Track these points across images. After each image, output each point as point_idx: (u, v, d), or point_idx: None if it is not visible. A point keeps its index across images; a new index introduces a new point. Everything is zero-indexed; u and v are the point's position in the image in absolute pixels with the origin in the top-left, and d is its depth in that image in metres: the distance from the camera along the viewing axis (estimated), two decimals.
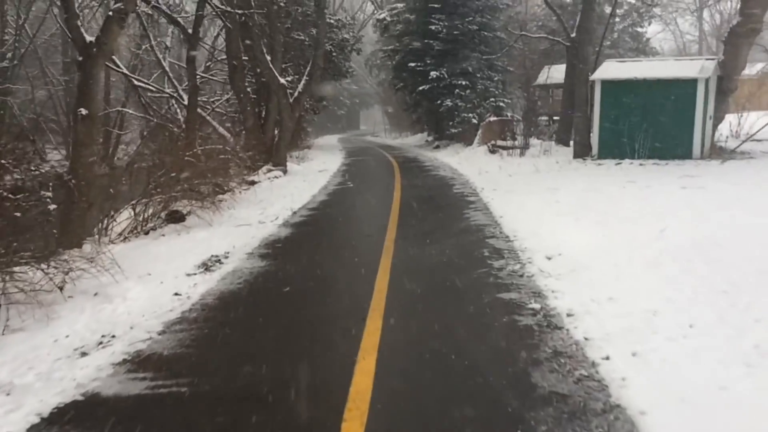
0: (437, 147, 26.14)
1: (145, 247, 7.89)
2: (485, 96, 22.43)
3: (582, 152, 14.81)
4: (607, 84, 14.14)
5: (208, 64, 24.89)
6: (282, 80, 15.68)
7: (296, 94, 17.22)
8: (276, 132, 17.20)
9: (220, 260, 6.91)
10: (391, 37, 30.44)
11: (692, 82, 13.23)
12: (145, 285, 5.93)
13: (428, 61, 25.18)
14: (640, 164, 13.29)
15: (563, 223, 8.06)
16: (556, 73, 23.54)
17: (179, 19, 14.31)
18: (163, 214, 9.99)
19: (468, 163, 17.23)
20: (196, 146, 13.96)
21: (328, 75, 32.73)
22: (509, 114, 22.08)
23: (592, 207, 8.92)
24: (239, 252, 7.33)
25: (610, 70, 14.39)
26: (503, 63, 26.14)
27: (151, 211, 9.82)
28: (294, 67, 24.33)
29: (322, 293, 5.62)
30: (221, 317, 5.00)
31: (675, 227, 7.06)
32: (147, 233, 9.39)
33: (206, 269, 6.52)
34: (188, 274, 6.33)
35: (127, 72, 19.28)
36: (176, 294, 5.55)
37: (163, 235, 8.80)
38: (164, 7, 11.77)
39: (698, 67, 13.51)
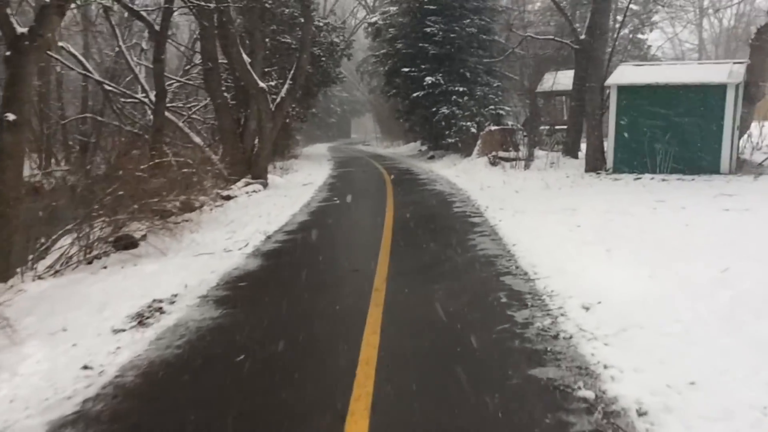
0: (432, 158, 24.79)
1: (77, 285, 6.41)
2: (484, 103, 21.13)
3: (595, 165, 13.47)
4: (623, 90, 12.82)
5: (186, 68, 23.53)
6: (262, 84, 14.28)
7: (278, 99, 15.82)
8: (256, 141, 15.77)
9: (162, 308, 5.44)
10: (383, 42, 29.13)
11: (721, 88, 11.93)
12: (51, 348, 4.47)
13: (423, 67, 23.86)
14: (663, 179, 11.94)
15: (593, 256, 6.66)
16: (560, 80, 22.32)
17: (143, 12, 12.87)
18: (111, 239, 8.55)
19: (467, 177, 15.85)
20: (162, 157, 12.55)
21: (316, 81, 31.50)
22: (510, 123, 20.76)
23: (624, 234, 7.52)
24: (191, 294, 5.87)
25: (627, 74, 13.08)
26: (503, 68, 24.88)
27: (97, 235, 8.37)
28: (279, 72, 22.92)
29: (286, 367, 4.16)
30: (136, 411, 3.54)
31: (739, 266, 5.67)
32: (90, 262, 7.93)
33: (141, 322, 5.06)
34: (115, 330, 4.87)
35: (94, 74, 17.84)
36: (86, 367, 4.09)
37: (105, 268, 7.33)
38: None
39: (727, 72, 12.23)
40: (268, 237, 8.79)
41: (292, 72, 16.08)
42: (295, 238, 8.72)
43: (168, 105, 20.66)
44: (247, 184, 15.04)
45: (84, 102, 23.32)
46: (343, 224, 9.98)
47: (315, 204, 12.32)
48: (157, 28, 12.85)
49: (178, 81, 20.08)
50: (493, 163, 16.72)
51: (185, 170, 10.95)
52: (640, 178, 12.21)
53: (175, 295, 5.84)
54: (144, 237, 8.82)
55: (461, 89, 22.26)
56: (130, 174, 9.17)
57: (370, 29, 34.43)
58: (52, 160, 21.81)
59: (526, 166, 15.51)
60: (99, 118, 20.12)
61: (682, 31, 46.98)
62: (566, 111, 28.23)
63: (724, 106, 11.91)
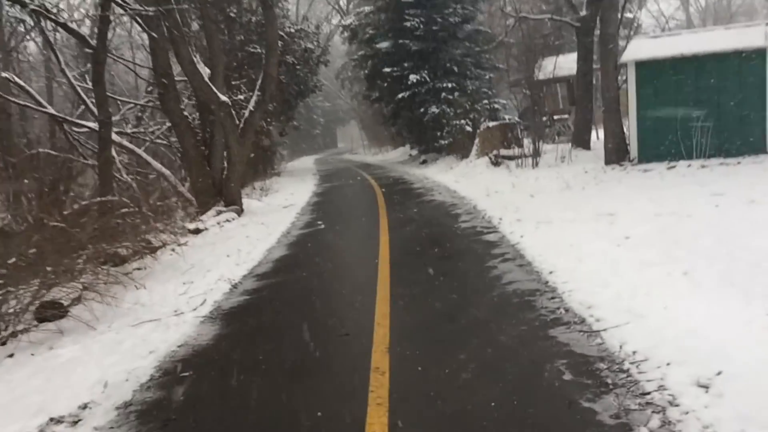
0: (424, 162, 23.05)
1: None
2: (477, 98, 19.42)
3: (616, 156, 11.74)
4: (643, 66, 11.11)
5: (149, 89, 21.75)
6: (224, 98, 12.50)
7: (247, 114, 14.06)
8: (225, 164, 13.98)
9: None
10: (360, 43, 27.42)
11: (760, 54, 10.24)
12: None
13: (405, 65, 22.16)
14: (703, 166, 10.21)
15: (667, 284, 4.92)
16: (557, 66, 20.70)
17: (74, 24, 11.06)
18: (33, 307, 6.75)
19: (468, 182, 14.10)
20: (109, 193, 10.77)
21: (293, 91, 29.77)
22: (507, 117, 19.05)
23: (696, 247, 5.76)
24: (108, 403, 4.08)
25: (645, 48, 11.38)
26: (494, 58, 23.23)
27: (14, 303, 6.57)
28: (250, 84, 21.21)
29: None
30: None
31: None
32: (4, 343, 6.12)
33: None
34: None
35: (35, 103, 16.02)
36: None
37: (11, 356, 5.52)
38: (45, 8, 8.48)
39: (762, 34, 10.54)
40: (234, 287, 6.99)
41: (259, 82, 14.31)
42: (267, 286, 6.92)
43: (131, 131, 19.01)
44: (219, 212, 13.25)
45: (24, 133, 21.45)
46: (328, 259, 8.18)
47: (295, 232, 10.53)
48: (93, 42, 11.07)
49: (134, 103, 18.31)
50: (496, 164, 14.98)
51: (125, 211, 9.11)
52: (674, 167, 10.48)
53: (84, 407, 4.05)
54: (77, 300, 7.02)
55: (450, 85, 20.56)
56: (57, 221, 7.41)
57: (345, 33, 32.80)
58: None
59: (535, 164, 13.77)
60: (52, 152, 18.25)
61: (668, 8, 45.66)
62: (561, 99, 26.69)
63: (765, 74, 10.21)
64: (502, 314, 4.95)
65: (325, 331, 5.13)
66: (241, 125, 14.07)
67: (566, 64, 22.70)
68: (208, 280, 7.37)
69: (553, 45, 25.40)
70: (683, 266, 5.23)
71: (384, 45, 22.77)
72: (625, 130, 11.89)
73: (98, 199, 8.77)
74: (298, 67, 28.63)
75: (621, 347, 3.93)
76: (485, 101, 18.87)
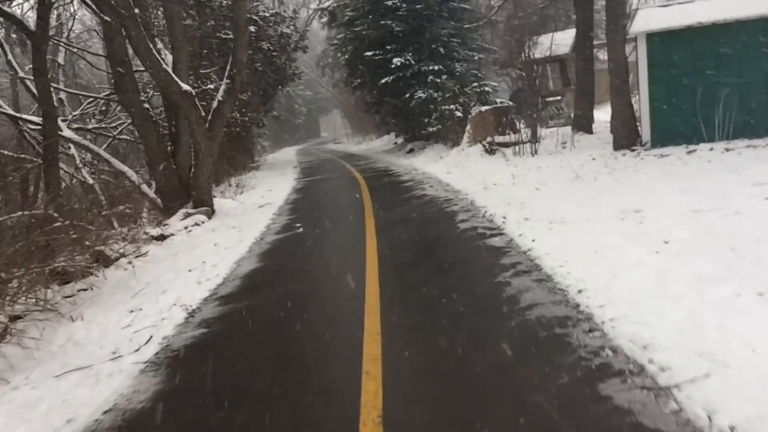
0: (411, 151, 21.85)
1: None
2: (466, 81, 18.22)
3: (627, 140, 10.62)
4: (656, 38, 9.97)
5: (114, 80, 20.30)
6: (186, 87, 11.20)
7: (215, 105, 12.76)
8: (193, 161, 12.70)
9: None
10: (340, 26, 26.08)
11: None
12: None
13: (388, 47, 20.90)
14: (727, 149, 9.11)
15: (741, 310, 3.82)
16: (546, 44, 19.58)
17: (15, 8, 9.70)
18: None
19: (462, 173, 12.93)
20: (54, 196, 9.49)
21: (271, 80, 28.40)
22: (499, 100, 17.87)
23: (758, 254, 4.65)
24: None
25: (655, 18, 10.22)
26: (481, 38, 22.02)
27: None
28: (221, 73, 19.89)
29: None
30: None
31: None
32: None
33: None
34: None
35: None
36: None
37: None
38: None
39: None
40: (191, 315, 5.79)
41: (228, 69, 13.01)
42: (230, 314, 5.71)
43: (93, 127, 17.63)
44: (187, 215, 12.01)
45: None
46: (305, 274, 6.96)
47: (270, 237, 9.31)
48: (32, 26, 9.75)
49: (94, 97, 16.95)
50: (490, 151, 13.83)
51: (67, 221, 7.86)
52: (694, 151, 9.37)
53: None
54: (5, 332, 5.80)
55: (437, 68, 19.34)
56: None
57: (324, 16, 31.42)
58: None
59: (534, 151, 12.62)
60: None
61: None
62: (552, 80, 25.56)
63: None
64: (528, 356, 3.81)
65: (297, 385, 3.96)
66: (210, 117, 12.80)
67: (558, 42, 21.62)
68: (162, 306, 6.16)
69: (544, 21, 24.26)
70: (755, 284, 4.11)
71: (364, 27, 21.50)
72: (636, 111, 10.76)
73: (20, 213, 7.44)
74: (274, 54, 27.27)
75: (710, 419, 2.80)
76: (475, 84, 17.68)
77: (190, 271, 7.64)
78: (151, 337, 5.21)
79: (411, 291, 5.58)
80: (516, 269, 5.64)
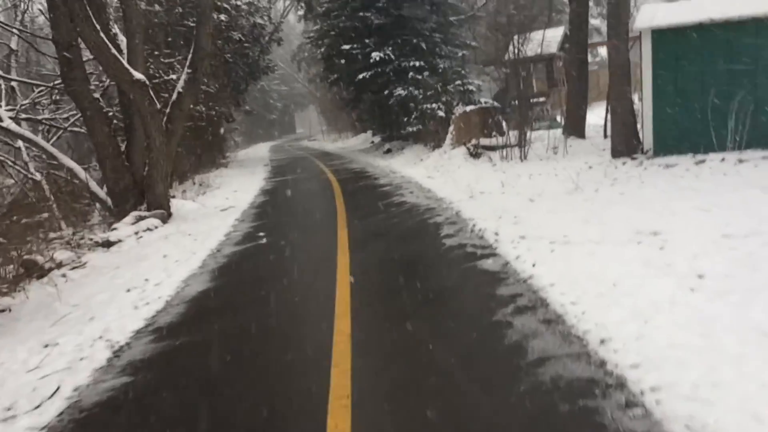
0: (389, 152, 20.85)
1: None
2: (448, 79, 17.26)
3: (626, 147, 9.74)
4: (662, 36, 9.10)
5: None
6: (138, 75, 10.03)
7: (174, 97, 11.63)
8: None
9: None
10: (317, 18, 24.96)
11: None
12: None
13: (367, 41, 19.89)
14: (740, 160, 8.27)
15: None
16: (533, 44, 18.72)
17: None
18: None
19: (445, 178, 11.98)
20: None
21: (242, 72, 27.17)
22: (484, 100, 16.94)
23: None
24: None
25: (662, 13, 9.35)
26: (464, 34, 21.09)
27: None
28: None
29: None
30: None
31: None
32: None
33: None
34: None
35: None
36: None
37: None
38: None
39: None
40: (116, 354, 4.70)
41: (189, 57, 11.88)
42: (163, 356, 4.63)
43: (44, 118, 16.31)
44: (139, 219, 10.87)
45: None
46: (263, 300, 5.85)
47: (228, 249, 8.22)
48: None
49: (44, 86, 15.65)
50: (475, 155, 12.89)
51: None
52: (703, 161, 8.52)
53: None
54: None
55: (418, 64, 18.37)
56: None
57: (300, 7, 30.28)
58: None
59: (523, 156, 11.70)
60: None
61: None
62: (535, 81, 24.77)
63: None
64: None
65: None
66: (168, 110, 11.67)
67: (545, 40, 20.78)
68: (84, 339, 5.06)
69: (530, 18, 23.45)
70: None
71: (341, 19, 20.44)
72: (637, 116, 9.88)
73: None
74: (246, 45, 26.04)
75: None
76: (458, 82, 16.73)
77: (128, 290, 6.52)
78: (58, 388, 4.12)
79: (389, 332, 4.55)
80: (517, 304, 4.66)
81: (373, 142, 28.86)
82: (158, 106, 10.46)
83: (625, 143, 9.72)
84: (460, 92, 16.58)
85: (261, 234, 8.97)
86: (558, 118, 19.12)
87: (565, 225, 6.61)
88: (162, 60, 16.08)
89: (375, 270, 6.31)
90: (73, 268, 8.29)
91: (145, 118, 10.35)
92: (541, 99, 20.59)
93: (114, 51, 9.59)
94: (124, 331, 5.17)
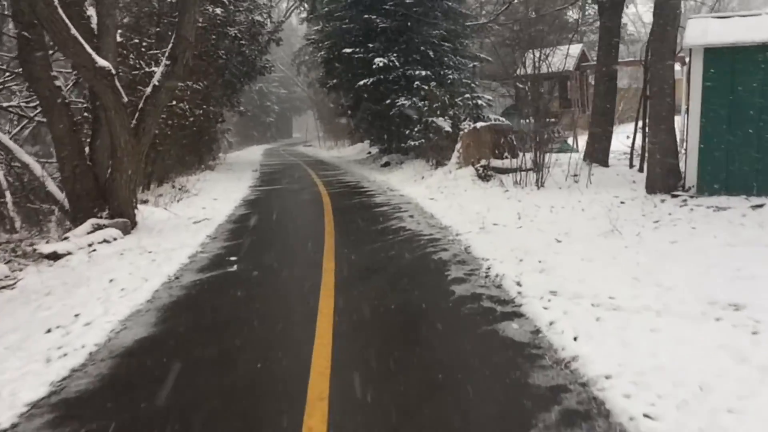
0: (387, 165, 19.52)
1: None
2: (456, 92, 15.97)
3: (664, 182, 8.42)
4: (716, 54, 7.82)
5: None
6: (103, 62, 8.64)
7: (149, 90, 10.26)
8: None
9: None
10: (318, 19, 23.68)
11: None
12: None
13: (371, 46, 18.58)
14: None
15: None
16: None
17: None
18: None
19: (449, 201, 10.63)
20: None
21: (238, 72, 25.82)
22: (493, 116, 15.63)
23: None
24: None
25: (715, 30, 8.06)
26: (472, 45, 19.84)
27: None
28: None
29: None
30: None
31: None
32: None
33: None
34: None
35: None
36: None
37: None
38: None
39: None
40: None
41: (169, 47, 10.51)
42: None
43: (9, 105, 14.90)
44: (97, 228, 9.47)
45: None
46: (218, 363, 4.38)
47: (189, 277, 6.81)
48: None
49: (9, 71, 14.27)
50: (484, 177, 11.57)
51: None
52: (761, 206, 7.21)
53: None
54: None
55: (425, 73, 17.06)
56: None
57: (303, 6, 29.07)
58: None
59: (540, 183, 10.37)
60: None
61: None
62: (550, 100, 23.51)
63: None
64: None
65: None
66: (141, 105, 10.29)
67: (556, 58, 19.58)
68: None
69: (540, 35, 22.25)
70: None
71: (345, 20, 19.16)
72: (679, 146, 8.57)
73: None
74: (243, 42, 24.69)
75: None
76: (467, 95, 15.44)
77: (49, 330, 5.11)
78: None
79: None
80: (562, 406, 3.32)
81: (370, 152, 27.55)
82: (125, 99, 9.07)
83: (663, 177, 8.40)
84: (469, 106, 15.28)
85: (232, 258, 7.57)
86: (569, 141, 17.88)
87: (608, 280, 5.26)
88: (145, 51, 14.70)
89: (365, 328, 4.92)
90: (5, 287, 6.89)
91: (108, 112, 8.97)
92: (552, 120, 19.35)
93: (74, 32, 8.20)
94: (15, 403, 3.77)
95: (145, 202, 13.27)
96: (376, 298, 5.60)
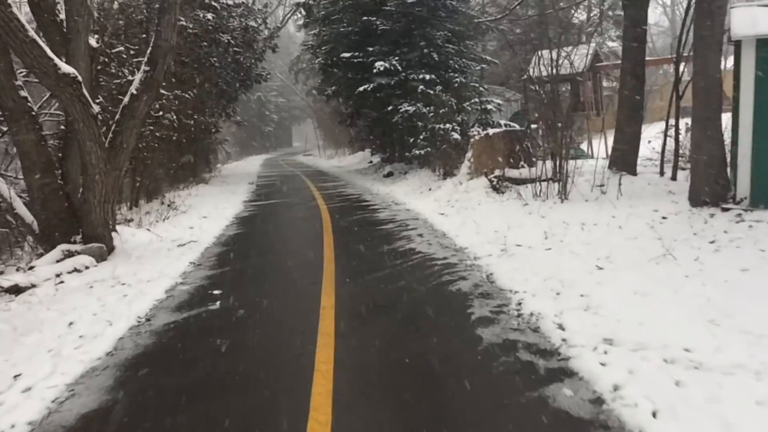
0: (390, 175, 18.50)
1: None
2: (463, 96, 14.96)
3: (712, 193, 7.36)
4: None
5: None
6: (67, 68, 7.63)
7: (126, 99, 9.27)
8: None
9: None
10: (315, 23, 22.72)
11: None
12: None
13: (370, 49, 17.60)
14: None
15: None
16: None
17: None
18: None
19: (462, 217, 9.60)
20: None
21: (231, 79, 24.87)
22: (503, 122, 14.61)
23: None
24: None
25: (766, 19, 7.05)
26: (478, 48, 18.85)
27: None
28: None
29: None
30: None
31: None
32: None
33: None
34: None
35: None
36: None
37: None
38: None
39: None
40: None
41: (148, 52, 9.53)
42: None
43: None
44: (67, 255, 8.48)
45: None
46: None
47: (163, 317, 5.76)
48: None
49: None
50: (499, 189, 10.53)
51: None
52: None
53: None
54: None
55: (428, 77, 16.05)
56: None
57: (300, 12, 28.09)
58: None
59: (564, 195, 9.32)
60: None
61: None
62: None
63: None
64: None
65: None
66: (117, 117, 9.29)
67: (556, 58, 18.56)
68: None
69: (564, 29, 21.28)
70: None
71: (342, 23, 18.18)
72: (727, 153, 7.52)
73: None
74: (237, 50, 23.74)
75: None
76: (475, 100, 14.43)
77: None
78: None
79: None
80: None
81: (371, 162, 26.57)
82: (95, 109, 8.05)
83: (710, 187, 7.35)
84: (478, 111, 14.27)
85: (215, 292, 6.52)
86: (583, 147, 16.87)
87: (676, 324, 4.23)
88: (127, 59, 13.70)
89: (373, 394, 3.87)
90: None
91: (77, 124, 7.96)
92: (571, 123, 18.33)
93: (32, 34, 7.19)
94: None
95: (129, 221, 12.27)
96: (385, 348, 4.56)
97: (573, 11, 28.00)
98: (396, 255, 7.64)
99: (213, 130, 23.77)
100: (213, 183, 22.16)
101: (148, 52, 9.59)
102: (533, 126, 16.13)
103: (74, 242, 9.00)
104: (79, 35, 8.90)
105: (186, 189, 18.17)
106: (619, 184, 9.00)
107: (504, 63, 23.95)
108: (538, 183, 9.91)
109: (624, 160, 10.21)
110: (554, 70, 10.92)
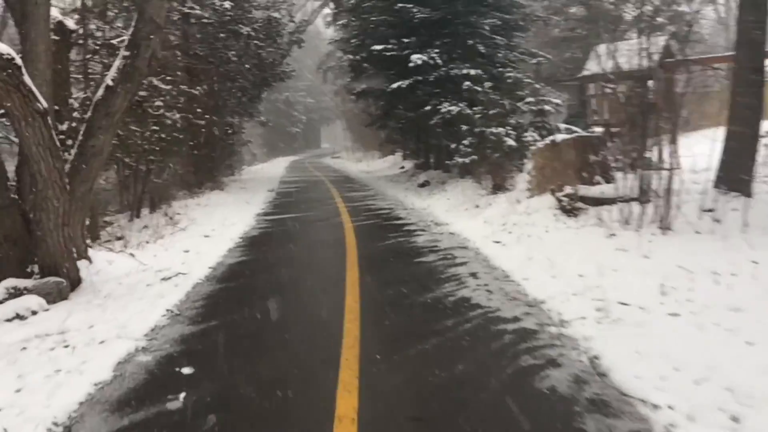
0: (425, 185, 16.40)
1: None
2: (515, 95, 12.80)
3: None
4: None
5: None
6: (7, 51, 5.70)
7: (101, 92, 7.39)
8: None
9: None
10: (345, 13, 20.75)
11: None
12: None
13: (406, 41, 15.54)
14: None
15: None
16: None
17: None
18: None
19: (525, 246, 7.47)
20: None
21: (253, 77, 23.04)
22: (564, 126, 12.40)
23: None
24: None
25: None
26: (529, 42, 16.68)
27: None
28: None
29: None
30: None
31: None
32: None
33: None
34: None
35: None
36: None
37: None
38: None
39: None
40: None
41: (130, 31, 7.62)
42: None
43: None
44: (13, 294, 6.58)
45: None
46: None
47: (92, 422, 3.75)
48: None
49: None
50: (570, 211, 8.37)
51: None
52: None
53: None
54: None
55: (474, 72, 13.91)
56: None
57: (329, 5, 26.23)
58: None
59: (663, 223, 7.11)
60: None
61: None
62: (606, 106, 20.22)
63: None
64: None
65: None
66: (89, 115, 7.40)
67: (625, 54, 16.32)
68: None
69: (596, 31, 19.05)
70: None
71: (374, 13, 16.16)
72: None
73: None
74: (259, 43, 21.88)
75: None
76: (530, 99, 12.28)
77: None
78: None
79: None
80: None
81: (403, 168, 24.53)
82: (43, 105, 6.09)
83: None
84: (533, 113, 12.11)
85: (185, 372, 4.48)
86: (653, 156, 14.59)
87: None
88: (115, 42, 11.83)
89: None
90: None
91: (16, 123, 6.04)
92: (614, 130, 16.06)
93: None
94: None
95: (119, 239, 10.38)
96: None
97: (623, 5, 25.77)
98: (443, 310, 5.54)
99: (230, 131, 21.91)
100: (230, 189, 20.28)
101: (130, 32, 7.68)
102: (596, 130, 13.98)
103: (31, 273, 7.11)
104: (37, 8, 6.98)
105: (197, 197, 16.30)
106: (717, 206, 6.78)
107: (556, 58, 21.78)
108: (625, 204, 7.72)
109: (735, 176, 7.95)
110: (645, 60, 8.73)
